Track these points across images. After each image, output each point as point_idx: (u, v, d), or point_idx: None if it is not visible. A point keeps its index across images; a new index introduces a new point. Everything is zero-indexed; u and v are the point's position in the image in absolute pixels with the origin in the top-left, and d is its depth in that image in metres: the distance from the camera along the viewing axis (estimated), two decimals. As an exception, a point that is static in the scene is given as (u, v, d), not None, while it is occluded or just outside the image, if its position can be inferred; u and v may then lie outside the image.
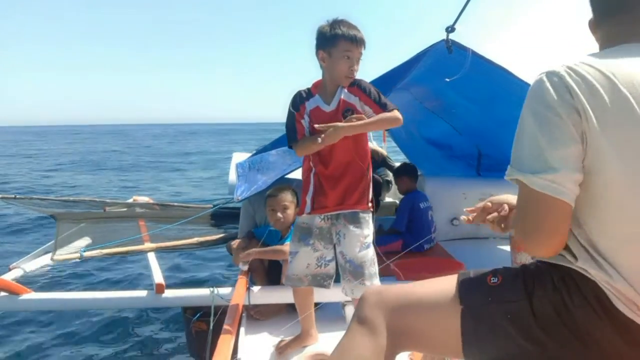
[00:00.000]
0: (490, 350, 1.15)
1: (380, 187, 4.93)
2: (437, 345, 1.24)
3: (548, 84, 1.04)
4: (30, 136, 62.88)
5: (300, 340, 2.46)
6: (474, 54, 2.91)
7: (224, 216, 4.77)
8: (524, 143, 1.06)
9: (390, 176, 4.96)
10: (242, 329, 2.63)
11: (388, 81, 3.12)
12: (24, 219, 8.43)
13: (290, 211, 2.90)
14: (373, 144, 5.89)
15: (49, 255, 3.69)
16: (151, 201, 5.95)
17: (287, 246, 2.59)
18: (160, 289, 2.93)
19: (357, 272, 2.20)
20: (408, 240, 3.79)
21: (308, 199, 2.29)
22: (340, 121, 2.17)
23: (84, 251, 3.53)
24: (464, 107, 4.15)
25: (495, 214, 1.35)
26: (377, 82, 3.05)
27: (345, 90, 2.23)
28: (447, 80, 2.87)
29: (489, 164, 4.99)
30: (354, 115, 2.13)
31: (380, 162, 5.29)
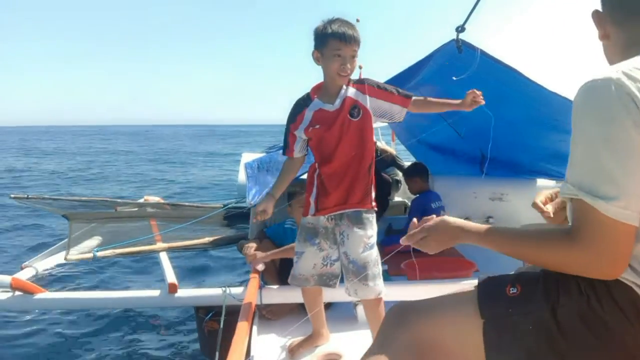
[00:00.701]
0: None
1: (389, 187, 4.93)
2: None
3: (608, 93, 0.95)
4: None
5: (311, 340, 2.48)
6: (483, 53, 2.91)
7: (234, 216, 4.80)
8: (587, 162, 0.98)
9: (399, 175, 4.95)
10: (254, 329, 2.65)
11: (400, 82, 3.13)
12: (37, 219, 8.50)
13: None
14: (382, 143, 5.89)
15: (62, 254, 3.74)
16: (162, 201, 5.99)
17: None
18: (173, 288, 2.96)
19: (360, 272, 2.21)
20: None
21: (312, 200, 2.30)
22: (346, 120, 2.19)
23: (97, 251, 3.56)
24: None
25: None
26: (389, 82, 3.06)
27: (352, 88, 2.23)
28: (455, 79, 2.86)
29: (494, 167, 4.98)
30: None
31: (389, 161, 5.29)
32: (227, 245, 4.21)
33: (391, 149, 5.87)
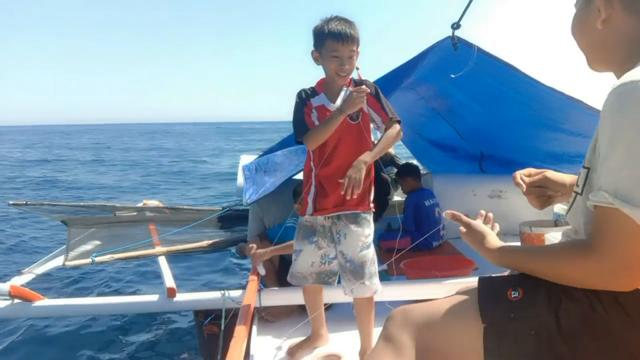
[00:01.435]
0: None
1: (388, 186, 4.93)
2: None
3: None
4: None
5: (310, 341, 2.47)
6: (480, 50, 2.90)
7: (233, 218, 4.79)
8: (626, 170, 0.91)
9: (399, 175, 4.97)
10: (253, 331, 2.65)
11: (394, 79, 3.12)
12: (35, 225, 8.50)
13: None
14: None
15: (60, 260, 3.72)
16: (161, 205, 5.98)
17: None
18: (171, 293, 2.95)
19: (357, 271, 2.20)
20: (416, 238, 3.80)
21: (309, 200, 2.29)
22: (345, 122, 2.16)
23: (96, 256, 3.54)
24: (467, 108, 4.15)
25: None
26: (383, 80, 3.05)
27: (351, 90, 2.19)
28: (452, 76, 2.86)
29: (492, 165, 4.99)
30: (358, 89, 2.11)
31: (388, 161, 5.29)
32: (226, 248, 4.20)
33: (391, 149, 5.88)
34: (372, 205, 2.29)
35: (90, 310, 3.21)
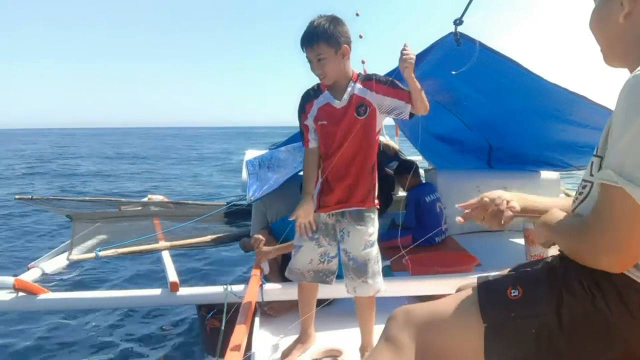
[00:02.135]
0: None
1: (392, 182, 4.93)
2: None
3: None
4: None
5: (301, 342, 2.44)
6: (482, 45, 2.89)
7: (237, 214, 4.81)
8: (633, 151, 0.93)
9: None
10: (255, 325, 2.65)
11: (398, 76, 3.11)
12: (41, 219, 8.55)
13: None
14: (385, 138, 5.87)
15: (66, 254, 3.74)
16: (166, 199, 6.00)
17: None
18: (174, 287, 2.96)
19: (360, 270, 2.20)
20: (417, 235, 3.80)
21: (314, 196, 2.27)
22: (352, 117, 2.15)
23: (100, 250, 3.57)
24: (474, 100, 4.13)
25: (495, 208, 1.37)
26: (388, 76, 3.04)
27: (359, 85, 2.18)
28: (454, 73, 2.85)
29: (499, 157, 4.96)
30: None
31: (392, 156, 5.28)
32: (229, 243, 4.21)
33: (394, 143, 5.86)
34: (376, 202, 2.27)
35: (93, 303, 3.23)
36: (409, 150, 6.72)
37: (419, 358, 1.18)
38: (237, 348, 1.95)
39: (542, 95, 3.37)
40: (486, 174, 4.74)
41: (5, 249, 6.79)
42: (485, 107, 4.26)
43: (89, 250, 3.67)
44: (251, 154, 4.71)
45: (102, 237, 3.99)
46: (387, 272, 2.91)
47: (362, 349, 2.31)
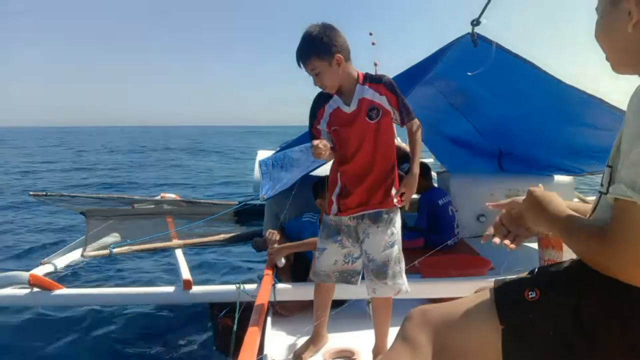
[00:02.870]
0: None
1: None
2: None
3: None
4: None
5: (314, 343, 2.44)
6: (499, 47, 2.88)
7: (249, 213, 4.82)
8: None
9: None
10: (268, 325, 2.66)
11: (414, 75, 3.11)
12: (55, 216, 8.63)
13: None
14: (398, 140, 5.85)
15: (79, 251, 3.78)
16: (178, 198, 6.04)
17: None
18: (187, 285, 2.97)
19: (380, 271, 2.19)
20: (429, 238, 3.77)
21: (334, 199, 2.27)
22: (364, 122, 2.14)
23: (114, 247, 3.60)
24: (488, 102, 4.11)
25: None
26: (403, 76, 3.05)
27: (367, 88, 2.16)
28: (469, 74, 2.85)
29: (510, 161, 4.93)
30: (401, 191, 2.19)
31: (404, 157, 5.26)
32: (242, 242, 4.22)
33: (406, 145, 5.84)
34: (395, 201, 2.24)
35: (107, 300, 3.26)
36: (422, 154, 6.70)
37: (435, 358, 1.17)
38: (250, 348, 1.95)
39: (559, 98, 3.35)
40: (500, 179, 4.71)
41: (20, 244, 6.87)
42: (499, 110, 4.24)
43: (103, 247, 3.70)
44: (263, 154, 4.73)
45: (115, 234, 4.02)
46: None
47: (376, 351, 2.30)
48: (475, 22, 2.76)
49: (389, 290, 2.22)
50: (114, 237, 3.96)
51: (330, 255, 2.31)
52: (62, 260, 3.76)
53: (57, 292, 3.01)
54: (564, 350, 1.06)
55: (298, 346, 2.46)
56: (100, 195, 5.48)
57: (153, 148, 34.67)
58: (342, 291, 2.52)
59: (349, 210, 2.24)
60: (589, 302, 1.05)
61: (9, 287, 3.01)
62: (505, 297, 1.17)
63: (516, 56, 2.98)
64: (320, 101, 2.25)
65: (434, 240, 3.87)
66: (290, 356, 2.42)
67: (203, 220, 4.29)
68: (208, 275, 5.25)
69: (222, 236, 4.07)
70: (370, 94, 2.16)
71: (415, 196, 5.52)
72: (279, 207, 3.53)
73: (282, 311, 2.87)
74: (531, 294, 1.12)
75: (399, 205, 2.25)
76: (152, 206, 5.16)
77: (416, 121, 2.24)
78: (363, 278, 2.36)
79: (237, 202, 5.39)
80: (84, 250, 3.66)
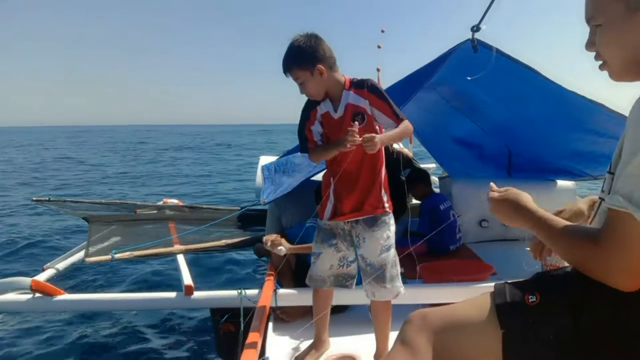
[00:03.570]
0: None
1: (406, 189, 4.91)
2: None
3: None
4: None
5: (316, 349, 2.44)
6: (499, 52, 2.89)
7: (251, 218, 4.83)
8: None
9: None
10: (269, 330, 2.66)
11: (415, 81, 3.12)
12: (57, 221, 8.64)
13: None
14: (399, 145, 5.85)
15: (81, 256, 3.78)
16: (181, 203, 6.05)
17: None
18: (189, 290, 2.97)
19: (378, 275, 2.20)
20: (433, 242, 3.77)
21: (329, 204, 2.28)
22: (350, 126, 2.10)
23: (115, 253, 3.59)
24: (490, 106, 4.11)
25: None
26: (403, 83, 3.06)
27: (352, 93, 2.17)
28: (469, 78, 2.86)
29: (520, 162, 4.90)
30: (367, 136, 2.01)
31: (405, 163, 5.26)
32: (244, 247, 4.23)
33: (408, 150, 5.83)
34: (387, 205, 2.26)
35: (109, 305, 3.26)
36: (422, 157, 6.69)
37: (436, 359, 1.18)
38: (252, 353, 1.95)
39: (560, 103, 3.35)
40: (502, 183, 4.67)
41: (21, 250, 6.87)
42: (502, 114, 4.24)
43: (105, 253, 3.70)
44: (265, 159, 4.73)
45: (118, 239, 4.01)
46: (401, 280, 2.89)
47: (377, 356, 2.30)
48: (475, 29, 2.77)
49: (387, 293, 2.23)
50: (116, 242, 3.95)
51: (325, 260, 2.32)
52: (64, 266, 3.76)
53: (59, 297, 3.01)
54: (565, 355, 1.06)
55: (299, 351, 2.46)
56: (103, 201, 5.50)
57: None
58: (343, 297, 2.52)
59: (344, 216, 2.24)
60: (589, 307, 1.05)
61: (11, 293, 3.01)
62: (505, 301, 1.17)
63: (516, 61, 2.99)
64: (313, 103, 2.26)
65: (437, 245, 3.87)
66: None
67: (205, 226, 4.29)
68: (210, 281, 5.24)
69: (224, 242, 4.07)
70: (355, 98, 2.16)
71: (414, 201, 5.55)
72: (282, 212, 3.53)
73: (284, 316, 2.86)
74: (531, 298, 1.12)
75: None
76: (155, 211, 5.18)
77: (406, 122, 2.16)
78: (358, 283, 2.37)
79: (239, 208, 5.41)
80: (86, 255, 3.65)
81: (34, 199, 4.78)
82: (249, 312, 2.51)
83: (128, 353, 3.69)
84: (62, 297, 3.02)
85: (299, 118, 2.29)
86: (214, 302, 3.02)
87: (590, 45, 1.15)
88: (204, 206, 5.91)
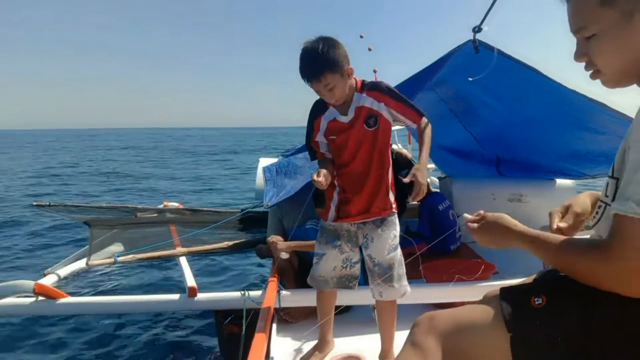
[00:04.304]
0: None
1: (406, 189, 4.92)
2: None
3: None
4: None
5: (320, 349, 2.45)
6: (500, 53, 2.91)
7: (252, 220, 4.83)
8: None
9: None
10: (273, 331, 2.66)
11: (417, 82, 3.13)
12: (58, 226, 8.62)
13: None
14: (398, 146, 5.87)
15: (83, 260, 3.77)
16: (181, 206, 6.04)
17: None
18: (192, 292, 2.97)
19: (386, 274, 2.20)
20: (433, 242, 3.77)
21: (332, 206, 2.27)
22: (362, 129, 2.12)
23: (118, 256, 3.59)
24: (489, 106, 4.13)
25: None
26: (406, 84, 3.07)
27: (365, 95, 2.14)
28: (470, 79, 2.87)
29: (510, 167, 4.94)
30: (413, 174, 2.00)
31: (405, 164, 5.27)
32: (246, 249, 4.23)
33: (407, 151, 5.85)
34: (394, 206, 2.27)
35: (112, 308, 3.26)
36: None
37: None
38: (257, 355, 1.95)
39: (561, 102, 3.36)
40: (501, 183, 4.71)
41: (23, 255, 6.86)
42: (501, 116, 4.25)
43: (107, 256, 3.70)
44: (265, 161, 4.74)
45: (119, 243, 4.02)
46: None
47: (382, 356, 2.31)
48: (477, 29, 2.78)
49: (395, 293, 2.23)
50: (117, 246, 3.95)
51: (329, 261, 2.31)
52: (66, 270, 3.77)
53: (62, 300, 3.01)
54: (574, 357, 1.06)
55: (304, 352, 2.46)
56: (104, 205, 5.49)
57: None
58: (347, 297, 2.53)
59: (350, 218, 2.24)
60: (597, 308, 1.05)
61: (14, 296, 3.01)
62: (512, 304, 1.17)
63: (517, 61, 3.01)
64: (316, 112, 2.23)
65: (437, 245, 3.87)
66: None
67: (207, 228, 4.30)
68: (213, 283, 5.25)
69: (226, 243, 4.07)
70: (369, 101, 2.14)
71: (415, 202, 5.56)
72: (283, 214, 3.54)
73: (288, 317, 2.87)
74: (537, 301, 1.13)
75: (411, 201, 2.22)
76: (156, 215, 5.18)
77: (425, 119, 2.20)
78: (361, 283, 2.38)
79: (240, 210, 5.41)
80: (88, 259, 3.66)
81: (34, 203, 4.78)
82: (254, 313, 2.52)
83: (132, 356, 3.69)
84: (65, 300, 3.02)
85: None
86: (217, 303, 3.02)
87: (580, 55, 1.13)
88: (205, 209, 5.90)
